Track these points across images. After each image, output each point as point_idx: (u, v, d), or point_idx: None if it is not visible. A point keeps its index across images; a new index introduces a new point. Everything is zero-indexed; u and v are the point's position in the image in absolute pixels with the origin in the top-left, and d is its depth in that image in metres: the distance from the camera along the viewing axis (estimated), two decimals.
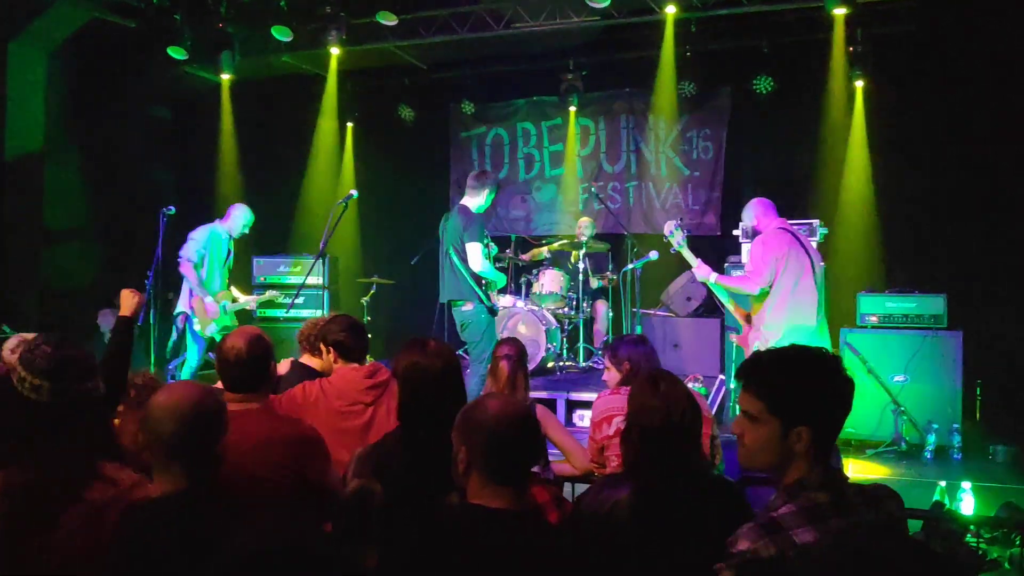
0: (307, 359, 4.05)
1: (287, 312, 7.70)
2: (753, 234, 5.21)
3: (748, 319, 5.11)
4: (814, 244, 6.93)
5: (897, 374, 6.43)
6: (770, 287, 4.84)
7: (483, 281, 5.71)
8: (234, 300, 6.69)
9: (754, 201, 5.27)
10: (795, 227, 5.17)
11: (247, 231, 6.75)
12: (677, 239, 5.16)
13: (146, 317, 6.57)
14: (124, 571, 1.96)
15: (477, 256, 5.60)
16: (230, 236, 6.73)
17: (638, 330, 6.94)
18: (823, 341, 4.88)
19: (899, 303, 6.64)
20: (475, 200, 5.81)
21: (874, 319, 6.68)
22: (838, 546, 1.54)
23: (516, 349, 3.88)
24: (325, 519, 2.64)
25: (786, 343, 2.00)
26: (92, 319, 8.70)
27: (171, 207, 6.53)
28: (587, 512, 2.37)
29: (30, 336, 4.23)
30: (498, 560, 1.88)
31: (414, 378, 2.54)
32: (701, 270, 5.16)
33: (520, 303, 7.77)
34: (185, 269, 6.53)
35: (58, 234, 8.58)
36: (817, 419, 1.85)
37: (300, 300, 7.45)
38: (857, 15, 7.37)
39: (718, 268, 7.22)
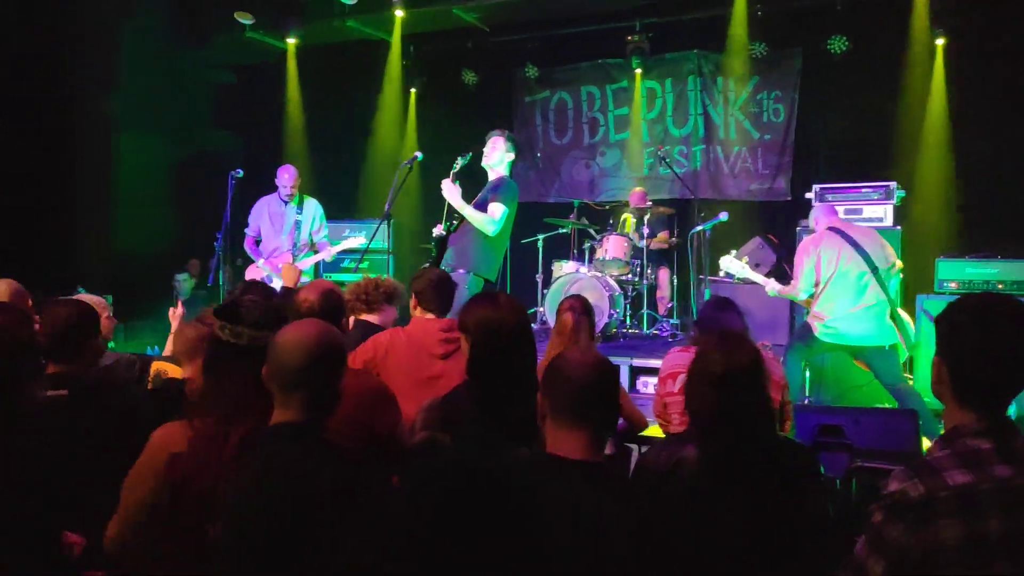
0: (366, 316, 4.02)
1: (355, 276, 7.74)
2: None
3: None
4: (889, 208, 6.77)
5: None
6: (815, 286, 5.14)
7: None
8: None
9: (814, 207, 5.78)
10: (845, 223, 5.39)
11: (292, 189, 6.72)
12: (735, 268, 5.51)
13: (215, 279, 6.69)
14: (246, 494, 1.98)
15: None
16: (287, 202, 6.72)
17: (706, 295, 6.81)
18: (881, 318, 5.05)
19: (980, 269, 6.38)
20: None
21: (953, 285, 6.43)
22: None
23: (581, 303, 3.96)
24: (393, 472, 2.65)
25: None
26: (163, 280, 8.94)
27: (239, 170, 6.60)
28: (650, 469, 2.36)
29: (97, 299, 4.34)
30: (567, 508, 1.90)
31: (486, 332, 2.52)
32: (769, 286, 5.49)
33: (583, 269, 7.69)
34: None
35: (128, 198, 8.80)
36: (948, 353, 1.83)
37: (365, 264, 7.50)
38: None
39: (789, 233, 7.10)
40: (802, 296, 5.25)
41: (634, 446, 3.98)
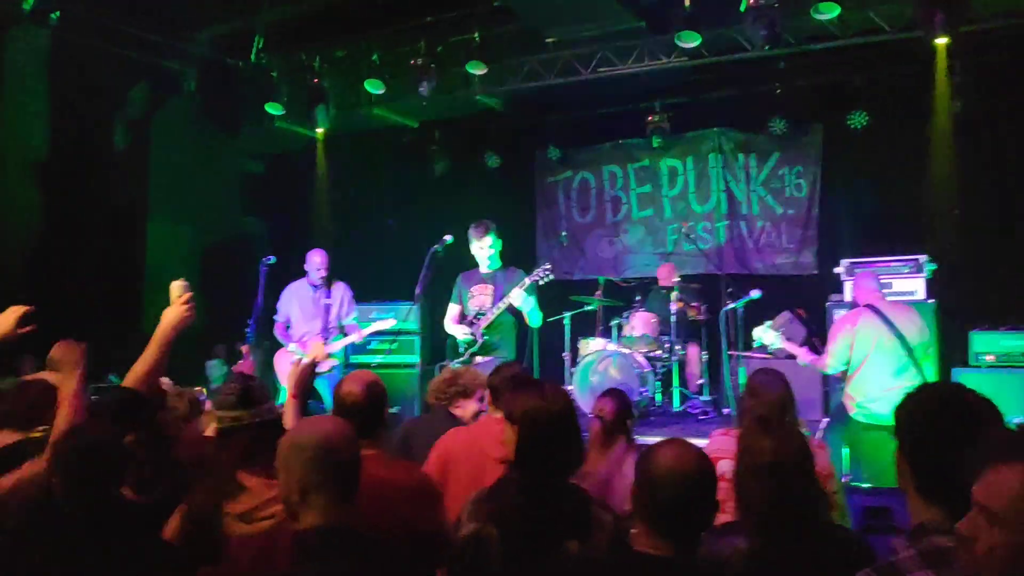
0: (453, 410, 3.98)
1: (384, 358, 7.73)
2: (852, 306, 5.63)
3: None
4: (921, 281, 6.71)
5: (1016, 416, 6.06)
6: (847, 364, 5.09)
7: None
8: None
9: (856, 277, 5.77)
10: (883, 300, 5.28)
11: (323, 272, 6.77)
12: (769, 339, 5.44)
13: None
14: None
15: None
16: (317, 286, 6.76)
17: (741, 373, 6.72)
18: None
19: (1016, 340, 6.30)
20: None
21: (989, 358, 6.35)
22: None
23: (615, 405, 3.69)
24: (437, 567, 2.61)
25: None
26: (196, 367, 8.97)
27: (271, 257, 6.68)
28: (702, 561, 2.28)
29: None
30: None
31: (532, 422, 2.49)
32: (801, 356, 5.46)
33: (611, 346, 7.66)
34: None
35: (160, 285, 8.92)
36: (907, 447, 1.80)
37: (395, 345, 7.53)
38: (958, 44, 7.14)
39: (818, 308, 7.06)
40: (830, 371, 5.25)
41: None
